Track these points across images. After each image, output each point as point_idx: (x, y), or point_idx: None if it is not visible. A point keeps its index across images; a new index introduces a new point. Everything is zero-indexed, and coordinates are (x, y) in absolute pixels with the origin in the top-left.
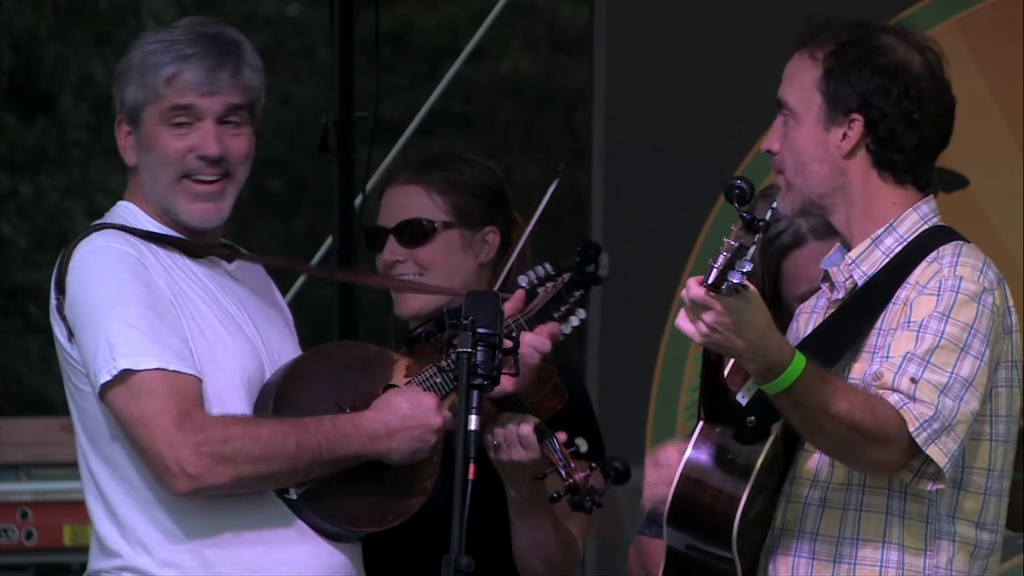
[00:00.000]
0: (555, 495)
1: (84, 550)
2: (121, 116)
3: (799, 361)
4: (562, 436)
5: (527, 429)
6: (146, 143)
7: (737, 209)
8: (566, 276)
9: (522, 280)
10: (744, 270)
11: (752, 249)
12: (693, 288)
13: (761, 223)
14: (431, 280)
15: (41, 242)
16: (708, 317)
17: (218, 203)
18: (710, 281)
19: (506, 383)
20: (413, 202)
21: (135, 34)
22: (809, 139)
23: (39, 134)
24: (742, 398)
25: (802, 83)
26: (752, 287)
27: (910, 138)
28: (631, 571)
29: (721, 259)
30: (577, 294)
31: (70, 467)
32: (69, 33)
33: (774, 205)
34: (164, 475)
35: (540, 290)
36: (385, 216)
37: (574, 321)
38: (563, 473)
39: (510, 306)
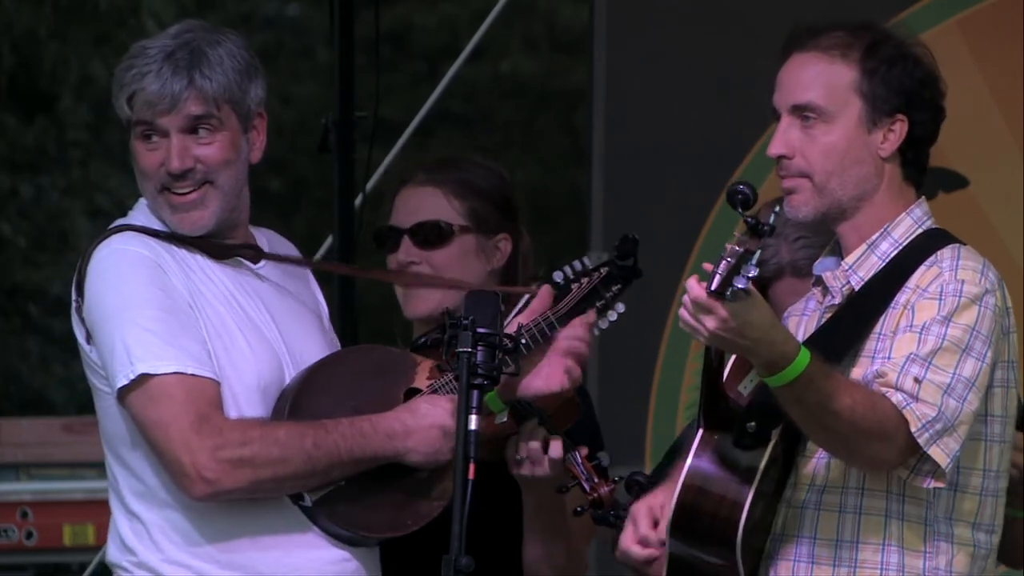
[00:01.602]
0: (579, 509)
1: (84, 550)
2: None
3: (804, 356)
4: (584, 450)
5: (556, 450)
6: (132, 155)
7: (741, 214)
8: (603, 270)
9: (557, 276)
10: (749, 275)
11: (757, 254)
12: (695, 289)
13: (766, 228)
14: None
15: (41, 242)
16: (711, 323)
17: (200, 211)
18: (713, 287)
19: (557, 381)
20: (430, 204)
21: (135, 34)
22: (847, 142)
23: (39, 134)
24: (743, 389)
25: (831, 84)
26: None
27: (934, 137)
28: None
29: (724, 265)
30: (615, 288)
31: (70, 467)
32: (69, 33)
33: (776, 209)
34: (182, 480)
35: (574, 286)
36: (400, 216)
37: (612, 316)
38: (586, 487)
39: (537, 304)
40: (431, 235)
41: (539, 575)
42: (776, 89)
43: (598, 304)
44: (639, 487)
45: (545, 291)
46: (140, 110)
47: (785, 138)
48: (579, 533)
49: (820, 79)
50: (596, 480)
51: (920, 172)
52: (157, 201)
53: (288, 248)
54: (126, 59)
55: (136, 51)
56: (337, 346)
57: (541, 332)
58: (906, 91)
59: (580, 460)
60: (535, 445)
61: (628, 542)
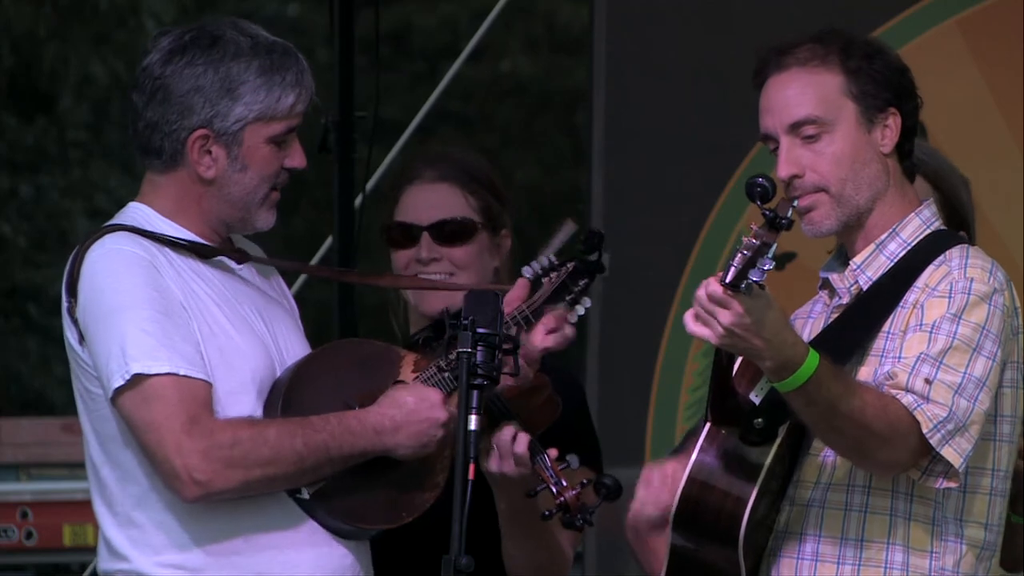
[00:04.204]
0: (547, 513)
1: (84, 550)
2: (207, 131)
3: (813, 358)
4: (553, 453)
5: (522, 447)
6: (244, 160)
7: (760, 207)
8: (570, 265)
9: (526, 271)
10: (766, 268)
11: (774, 247)
12: (712, 286)
13: (784, 221)
14: (461, 280)
15: (41, 242)
16: (726, 318)
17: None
18: (728, 280)
19: (523, 374)
20: (449, 201)
21: (135, 34)
22: (853, 145)
23: (39, 134)
24: (755, 397)
25: (822, 94)
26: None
27: (916, 128)
28: (627, 533)
29: (739, 258)
30: (582, 283)
31: (70, 467)
32: (69, 33)
33: (795, 203)
34: (173, 481)
35: (544, 280)
36: (415, 213)
37: (580, 310)
38: (554, 491)
39: (513, 295)
40: (454, 232)
41: (516, 574)
42: (764, 114)
43: (567, 298)
44: (607, 490)
45: (522, 284)
46: (297, 116)
47: (791, 158)
48: (565, 535)
49: (809, 91)
50: (564, 483)
51: (912, 165)
52: (264, 202)
53: (257, 251)
54: (255, 60)
55: (260, 55)
56: (309, 346)
57: (517, 325)
58: (891, 83)
59: (549, 463)
60: (505, 438)
61: (641, 502)
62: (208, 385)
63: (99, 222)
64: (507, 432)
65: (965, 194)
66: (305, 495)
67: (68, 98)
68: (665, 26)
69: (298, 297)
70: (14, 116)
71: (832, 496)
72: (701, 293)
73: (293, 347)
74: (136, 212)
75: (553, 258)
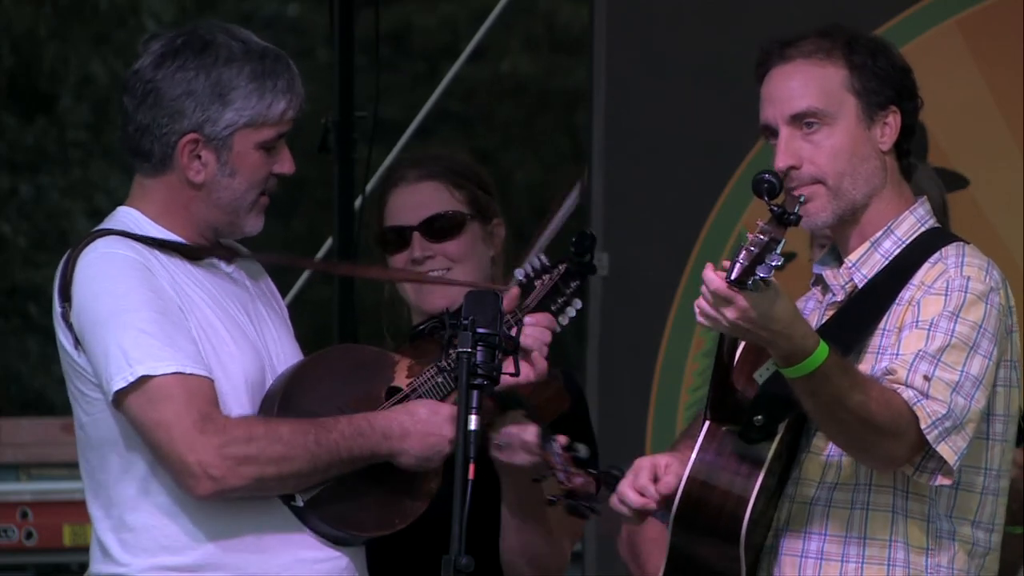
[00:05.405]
0: (552, 499)
1: (84, 550)
2: (197, 136)
3: (822, 349)
4: (562, 440)
5: (531, 435)
6: (234, 165)
7: (767, 203)
8: (562, 267)
9: (518, 273)
10: (774, 264)
11: (782, 243)
12: (714, 281)
13: (792, 216)
14: (459, 274)
15: (41, 242)
16: (730, 313)
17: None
18: (734, 277)
19: (523, 374)
20: (436, 198)
21: (135, 34)
22: (852, 140)
23: (39, 134)
24: (759, 376)
25: (825, 87)
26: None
27: (915, 127)
28: (620, 548)
29: (745, 254)
30: (574, 285)
31: (70, 467)
32: (69, 33)
33: (801, 199)
34: (186, 479)
35: (537, 283)
36: (405, 215)
37: (571, 312)
38: (561, 478)
39: (507, 301)
40: (444, 227)
41: (514, 563)
42: (766, 105)
43: (559, 301)
44: (615, 480)
45: (515, 290)
46: (287, 122)
47: (790, 149)
48: (564, 528)
49: (812, 84)
50: (571, 470)
51: (910, 165)
52: (253, 207)
53: (245, 252)
54: (247, 65)
55: (253, 61)
56: (299, 347)
57: (510, 327)
58: (894, 82)
59: (557, 450)
60: (514, 431)
61: (626, 487)
62: (212, 382)
63: (99, 222)
64: (514, 424)
65: (936, 192)
66: (299, 502)
67: (68, 98)
68: (665, 26)
69: (298, 297)
70: (14, 116)
71: (836, 495)
72: (704, 289)
73: (283, 349)
74: (125, 216)
75: (545, 260)
